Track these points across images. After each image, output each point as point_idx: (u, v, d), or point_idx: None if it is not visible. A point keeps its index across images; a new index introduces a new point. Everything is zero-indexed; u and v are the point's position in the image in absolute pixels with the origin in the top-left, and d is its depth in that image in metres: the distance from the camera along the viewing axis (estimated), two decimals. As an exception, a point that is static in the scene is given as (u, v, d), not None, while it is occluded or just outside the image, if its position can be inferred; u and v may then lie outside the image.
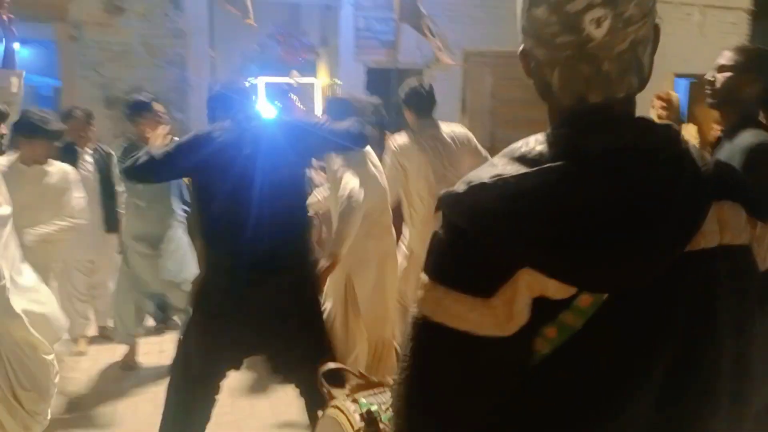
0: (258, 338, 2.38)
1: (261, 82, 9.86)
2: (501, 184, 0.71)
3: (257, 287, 2.30)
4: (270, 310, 2.33)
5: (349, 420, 1.56)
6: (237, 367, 2.51)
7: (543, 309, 0.71)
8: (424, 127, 3.17)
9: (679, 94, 9.54)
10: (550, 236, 0.69)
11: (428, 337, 0.74)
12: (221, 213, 2.27)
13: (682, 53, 9.39)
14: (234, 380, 3.24)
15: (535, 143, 0.77)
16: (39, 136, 3.20)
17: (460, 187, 0.75)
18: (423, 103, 3.19)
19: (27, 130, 3.16)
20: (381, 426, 1.49)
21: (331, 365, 1.85)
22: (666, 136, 0.76)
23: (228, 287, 2.31)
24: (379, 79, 8.24)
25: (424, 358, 0.75)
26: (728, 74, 2.10)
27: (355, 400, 1.62)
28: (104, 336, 4.41)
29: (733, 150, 1.95)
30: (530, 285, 0.69)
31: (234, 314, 2.31)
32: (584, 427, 0.73)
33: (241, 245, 2.25)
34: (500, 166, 0.75)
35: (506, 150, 0.79)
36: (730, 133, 2.04)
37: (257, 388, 3.69)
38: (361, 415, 1.53)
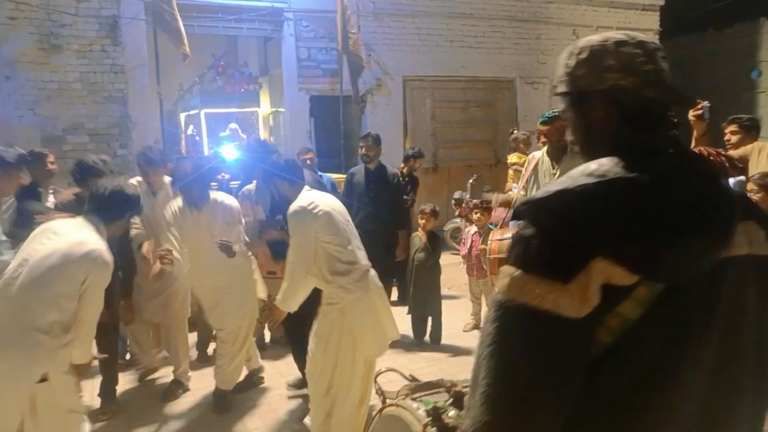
0: None
1: (202, 113, 9.84)
2: (580, 189, 0.89)
3: None
4: None
5: (414, 416, 1.66)
6: None
7: (606, 299, 0.86)
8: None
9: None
10: (622, 230, 0.86)
11: (513, 317, 0.88)
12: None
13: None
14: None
15: (599, 165, 0.94)
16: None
17: (541, 194, 0.92)
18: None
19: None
20: (446, 421, 1.60)
21: (384, 368, 1.94)
22: (707, 165, 1.00)
23: None
24: (322, 107, 8.44)
25: (508, 336, 0.88)
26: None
27: (414, 399, 1.73)
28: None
29: None
30: (602, 271, 0.85)
31: None
32: (646, 405, 0.88)
33: None
34: (572, 180, 0.92)
35: (574, 170, 0.96)
36: None
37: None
38: (427, 411, 1.64)
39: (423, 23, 8.74)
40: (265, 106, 9.91)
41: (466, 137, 9.19)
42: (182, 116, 10.45)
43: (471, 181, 7.39)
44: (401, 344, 4.74)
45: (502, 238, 3.23)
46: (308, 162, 5.38)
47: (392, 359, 4.46)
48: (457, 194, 7.27)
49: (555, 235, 0.88)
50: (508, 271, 0.91)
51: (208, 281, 3.57)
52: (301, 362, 3.42)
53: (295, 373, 3.81)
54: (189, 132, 10.16)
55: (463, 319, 5.02)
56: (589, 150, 1.04)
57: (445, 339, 4.62)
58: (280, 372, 4.08)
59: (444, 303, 4.71)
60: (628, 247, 0.86)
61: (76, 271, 2.27)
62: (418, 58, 8.71)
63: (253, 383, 3.90)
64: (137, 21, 7.04)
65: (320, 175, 5.18)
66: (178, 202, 3.54)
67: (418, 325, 4.67)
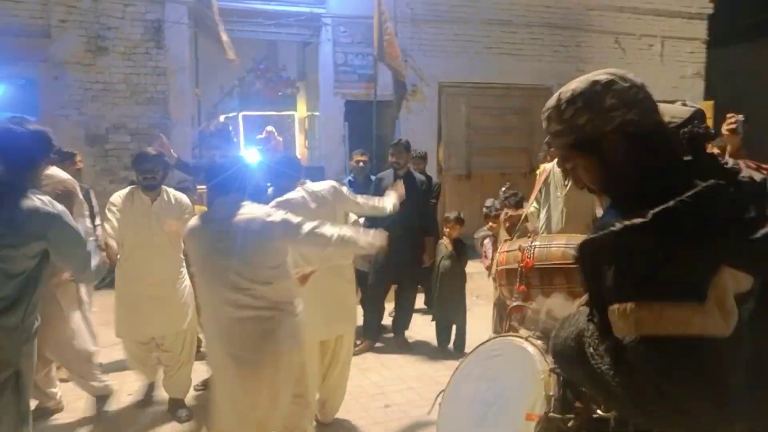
0: None
1: (240, 115, 10.05)
2: (680, 206, 0.87)
3: None
4: None
5: (544, 358, 1.58)
6: None
7: None
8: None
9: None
10: (736, 234, 0.87)
11: (653, 351, 0.86)
12: None
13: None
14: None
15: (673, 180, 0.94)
16: None
17: (621, 223, 0.89)
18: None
19: None
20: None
21: (517, 304, 2.19)
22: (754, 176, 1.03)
23: None
24: (357, 111, 8.49)
25: (667, 367, 0.86)
26: None
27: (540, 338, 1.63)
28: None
29: None
30: (731, 280, 0.87)
31: None
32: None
33: None
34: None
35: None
36: None
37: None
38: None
39: (461, 29, 8.70)
40: (301, 110, 10.05)
41: (500, 145, 9.08)
42: (222, 118, 10.68)
43: (503, 189, 7.30)
44: (425, 351, 4.73)
45: (509, 249, 3.20)
46: (361, 165, 5.42)
47: (414, 366, 4.45)
48: (489, 202, 7.20)
49: (673, 253, 0.85)
50: (627, 307, 0.87)
51: (142, 283, 3.40)
52: None
53: None
54: (227, 134, 10.35)
55: (488, 327, 4.94)
56: (614, 190, 1.04)
57: (469, 347, 4.52)
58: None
59: (469, 311, 4.66)
60: (745, 249, 0.87)
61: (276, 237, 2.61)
62: (454, 64, 8.67)
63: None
64: (180, 25, 7.25)
65: (372, 179, 5.21)
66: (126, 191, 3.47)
67: (443, 332, 4.63)
